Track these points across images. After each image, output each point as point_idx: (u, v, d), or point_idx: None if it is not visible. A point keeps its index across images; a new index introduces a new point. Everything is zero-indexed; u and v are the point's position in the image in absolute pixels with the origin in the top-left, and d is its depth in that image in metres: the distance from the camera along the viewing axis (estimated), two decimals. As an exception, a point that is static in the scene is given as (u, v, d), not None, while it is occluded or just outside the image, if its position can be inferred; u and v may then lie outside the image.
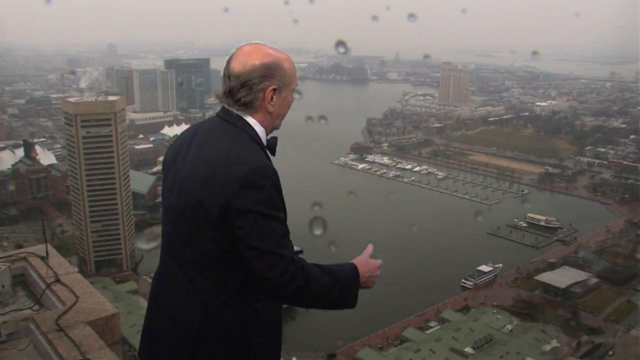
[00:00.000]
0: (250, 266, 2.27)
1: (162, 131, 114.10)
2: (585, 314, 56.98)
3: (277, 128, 2.60)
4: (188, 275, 2.41)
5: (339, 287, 2.43)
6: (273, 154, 2.55)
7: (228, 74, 2.42)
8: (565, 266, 66.52)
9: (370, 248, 2.73)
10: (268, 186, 2.26)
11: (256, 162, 2.30)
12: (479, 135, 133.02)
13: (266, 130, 2.51)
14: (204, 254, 2.35)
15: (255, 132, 2.45)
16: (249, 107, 2.43)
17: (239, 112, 2.44)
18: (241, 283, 2.37)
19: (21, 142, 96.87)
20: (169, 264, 2.52)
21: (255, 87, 2.39)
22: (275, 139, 2.59)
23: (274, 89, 2.42)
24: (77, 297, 4.47)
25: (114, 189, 72.84)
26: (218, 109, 2.57)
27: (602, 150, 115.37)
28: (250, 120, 2.45)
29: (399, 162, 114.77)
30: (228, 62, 2.43)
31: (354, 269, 2.52)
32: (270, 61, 2.41)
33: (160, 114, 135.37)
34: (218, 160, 2.30)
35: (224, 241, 2.29)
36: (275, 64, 2.41)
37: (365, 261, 2.61)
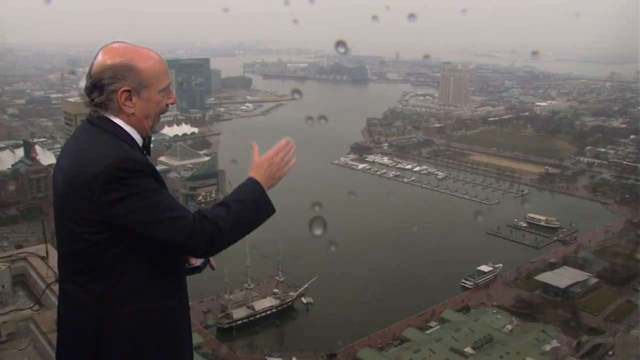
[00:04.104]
0: (157, 242, 2.27)
1: (162, 131, 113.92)
2: (585, 314, 56.94)
3: (153, 130, 2.54)
4: (80, 284, 2.37)
5: (250, 208, 2.42)
6: (148, 153, 2.54)
7: (88, 73, 2.40)
8: (565, 266, 66.46)
9: (255, 148, 2.67)
10: (135, 172, 2.24)
11: (114, 155, 2.25)
12: (479, 135, 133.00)
13: (138, 131, 2.46)
14: (87, 258, 2.31)
15: (123, 130, 2.41)
16: (104, 108, 2.39)
17: (101, 113, 2.41)
18: (137, 282, 2.35)
19: (21, 142, 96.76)
20: (63, 274, 2.48)
21: (106, 88, 2.35)
22: (149, 138, 2.56)
23: (127, 91, 2.36)
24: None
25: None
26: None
27: (602, 150, 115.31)
28: (116, 120, 2.41)
29: (399, 162, 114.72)
30: (92, 61, 2.39)
31: (253, 182, 2.51)
32: (120, 62, 2.34)
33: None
34: (78, 162, 2.29)
35: (102, 240, 2.27)
36: (125, 65, 2.35)
37: (258, 163, 2.58)
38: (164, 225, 2.24)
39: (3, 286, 6.45)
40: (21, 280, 6.89)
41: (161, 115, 2.57)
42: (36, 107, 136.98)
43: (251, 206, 2.44)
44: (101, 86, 2.35)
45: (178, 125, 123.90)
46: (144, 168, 2.29)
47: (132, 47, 2.41)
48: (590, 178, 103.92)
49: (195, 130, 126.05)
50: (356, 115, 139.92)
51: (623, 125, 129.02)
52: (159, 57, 2.48)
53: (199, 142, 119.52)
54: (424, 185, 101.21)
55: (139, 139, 2.47)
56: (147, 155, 2.53)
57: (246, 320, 54.47)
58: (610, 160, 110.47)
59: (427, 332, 52.74)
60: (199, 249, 2.32)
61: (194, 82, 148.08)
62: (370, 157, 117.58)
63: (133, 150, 2.37)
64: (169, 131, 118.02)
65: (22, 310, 6.06)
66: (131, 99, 2.39)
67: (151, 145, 2.65)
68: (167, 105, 2.55)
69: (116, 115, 2.41)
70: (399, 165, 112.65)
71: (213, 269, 2.81)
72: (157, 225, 2.23)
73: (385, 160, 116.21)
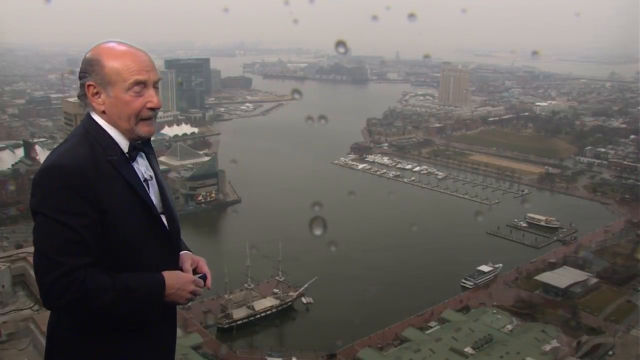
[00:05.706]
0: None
1: (162, 131, 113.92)
2: (585, 314, 56.90)
3: (138, 133, 2.42)
4: None
5: (131, 301, 2.24)
6: (145, 152, 2.52)
7: None
8: (565, 266, 66.41)
9: (193, 260, 2.65)
10: (55, 187, 2.15)
11: (51, 161, 2.22)
12: (479, 135, 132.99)
13: (121, 132, 2.40)
14: None
15: (100, 128, 2.38)
16: (83, 102, 2.42)
17: (87, 109, 2.43)
18: None
19: (21, 142, 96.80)
20: None
21: (81, 81, 2.39)
22: (143, 140, 2.51)
23: (92, 86, 2.36)
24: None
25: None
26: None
27: (602, 150, 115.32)
28: (96, 117, 2.40)
29: (399, 162, 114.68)
30: None
31: (159, 282, 2.34)
32: (89, 56, 2.36)
33: (160, 114, 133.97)
34: None
35: None
36: (92, 60, 2.34)
37: (175, 274, 2.42)
38: (40, 259, 2.17)
39: (3, 286, 6.46)
40: (21, 280, 6.89)
41: (147, 120, 2.44)
42: (36, 107, 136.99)
43: (135, 302, 2.27)
44: (79, 79, 2.40)
45: (178, 125, 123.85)
46: (70, 182, 2.17)
47: (112, 45, 2.38)
48: (590, 178, 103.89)
49: (195, 130, 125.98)
50: (356, 115, 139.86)
51: (623, 125, 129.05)
52: (136, 56, 2.39)
53: (199, 142, 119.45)
54: (424, 185, 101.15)
55: (121, 140, 2.40)
56: (135, 159, 2.45)
57: (246, 320, 54.42)
58: (610, 160, 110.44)
59: (427, 332, 52.70)
60: (50, 302, 2.22)
61: (194, 82, 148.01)
62: (370, 157, 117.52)
63: (85, 155, 2.27)
64: (169, 131, 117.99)
65: (22, 310, 6.06)
66: (100, 96, 2.36)
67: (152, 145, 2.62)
68: (149, 108, 2.40)
69: (95, 112, 2.42)
70: (399, 165, 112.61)
71: (209, 288, 2.70)
72: (37, 254, 2.19)
73: (385, 160, 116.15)
